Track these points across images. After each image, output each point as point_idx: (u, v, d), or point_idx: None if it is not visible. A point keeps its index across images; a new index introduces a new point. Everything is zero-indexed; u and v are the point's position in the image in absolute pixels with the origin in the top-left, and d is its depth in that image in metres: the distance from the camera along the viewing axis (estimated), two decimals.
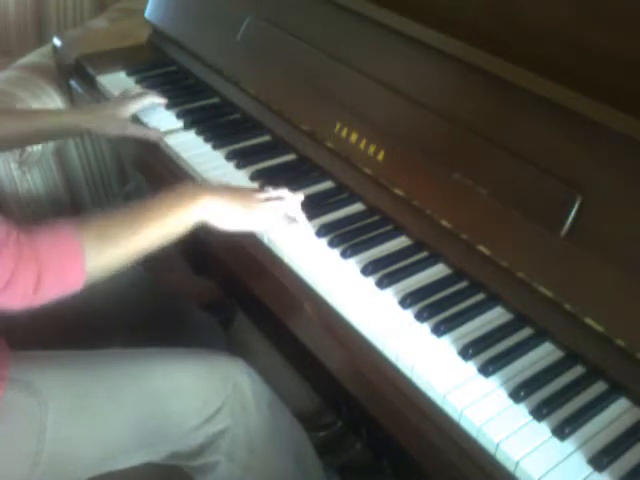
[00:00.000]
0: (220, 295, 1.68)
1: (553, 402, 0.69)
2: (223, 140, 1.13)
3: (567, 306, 0.74)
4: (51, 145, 1.51)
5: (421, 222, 0.89)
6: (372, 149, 0.95)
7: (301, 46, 1.09)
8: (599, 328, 0.72)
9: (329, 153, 1.03)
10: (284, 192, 0.92)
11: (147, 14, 1.43)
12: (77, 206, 1.69)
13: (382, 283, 0.83)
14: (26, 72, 1.51)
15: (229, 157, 1.09)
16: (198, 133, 1.15)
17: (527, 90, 0.79)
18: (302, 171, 1.07)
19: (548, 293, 0.76)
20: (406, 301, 0.81)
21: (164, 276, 1.42)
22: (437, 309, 0.80)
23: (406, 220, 0.92)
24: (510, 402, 0.70)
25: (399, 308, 0.81)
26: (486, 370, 0.72)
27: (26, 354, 0.85)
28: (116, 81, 1.32)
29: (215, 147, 1.12)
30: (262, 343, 1.57)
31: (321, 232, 0.92)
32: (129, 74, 1.35)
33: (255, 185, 1.02)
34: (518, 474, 0.64)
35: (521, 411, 0.69)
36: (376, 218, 0.96)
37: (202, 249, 1.67)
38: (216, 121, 1.20)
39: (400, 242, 0.92)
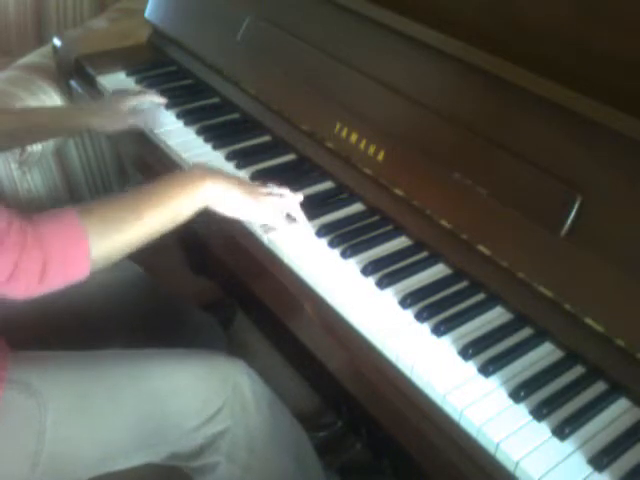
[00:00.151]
0: (220, 295, 1.69)
1: (553, 402, 0.69)
2: (223, 140, 1.13)
3: (567, 306, 0.74)
4: (51, 145, 1.51)
5: (421, 222, 0.89)
6: (372, 149, 0.95)
7: (301, 46, 1.09)
8: (599, 328, 0.72)
9: (329, 153, 1.03)
10: (285, 191, 0.92)
11: (147, 14, 1.43)
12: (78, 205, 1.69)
13: (382, 283, 0.83)
14: (26, 72, 1.51)
15: (229, 157, 1.09)
16: (198, 133, 1.15)
17: (527, 90, 0.79)
18: (302, 171, 1.07)
19: (548, 293, 0.76)
20: (406, 301, 0.81)
21: (164, 276, 1.42)
22: (437, 309, 0.80)
23: (406, 220, 0.92)
24: (510, 402, 0.70)
25: (399, 308, 0.80)
26: (486, 370, 0.72)
27: (26, 354, 0.85)
28: (116, 81, 1.32)
29: (215, 147, 1.12)
30: (262, 343, 1.57)
31: (321, 232, 0.92)
32: (129, 74, 1.35)
33: None
34: (518, 474, 0.64)
35: (521, 411, 0.69)
36: (376, 218, 0.96)
37: (202, 249, 1.67)
38: (216, 121, 1.20)
39: (400, 242, 0.92)
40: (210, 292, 1.70)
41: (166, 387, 0.88)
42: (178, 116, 1.20)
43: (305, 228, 0.92)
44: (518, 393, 0.70)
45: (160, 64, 1.39)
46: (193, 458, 0.91)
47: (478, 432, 0.67)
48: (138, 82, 1.32)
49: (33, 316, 0.93)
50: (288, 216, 0.92)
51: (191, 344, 1.03)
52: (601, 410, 0.70)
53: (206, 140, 1.13)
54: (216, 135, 1.14)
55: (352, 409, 1.30)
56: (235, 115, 1.22)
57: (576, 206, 0.74)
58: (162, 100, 1.22)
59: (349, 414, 1.32)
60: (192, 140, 1.14)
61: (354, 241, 0.90)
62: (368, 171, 0.97)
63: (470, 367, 0.73)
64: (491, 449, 0.66)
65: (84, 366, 0.87)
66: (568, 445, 0.66)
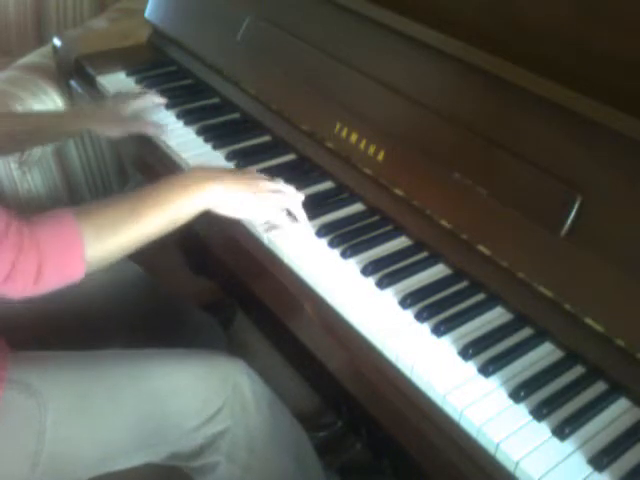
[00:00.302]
0: (220, 295, 1.69)
1: (553, 402, 0.69)
2: (223, 140, 1.13)
3: (567, 306, 0.74)
4: (51, 145, 1.51)
5: (421, 222, 0.89)
6: (372, 149, 0.95)
7: (301, 46, 1.09)
8: (599, 328, 0.72)
9: (329, 153, 1.03)
10: (289, 188, 0.92)
11: (147, 14, 1.43)
12: (77, 206, 1.69)
13: (382, 283, 0.83)
14: (26, 72, 1.51)
15: (229, 157, 1.09)
16: (198, 133, 1.15)
17: (527, 90, 0.79)
18: (302, 171, 1.06)
19: (548, 293, 0.76)
20: (406, 301, 0.81)
21: (164, 276, 1.42)
22: (437, 309, 0.80)
23: (406, 220, 0.92)
24: (510, 402, 0.70)
25: (399, 308, 0.80)
26: (486, 370, 0.72)
27: (26, 355, 0.85)
28: (116, 81, 1.32)
29: (215, 147, 1.12)
30: (262, 343, 1.57)
31: (321, 232, 0.92)
32: (129, 74, 1.35)
33: None
34: (518, 474, 0.64)
35: (521, 411, 0.69)
36: (376, 218, 0.96)
37: (202, 249, 1.67)
38: (216, 121, 1.20)
39: (400, 242, 0.92)
40: (210, 292, 1.70)
41: (166, 387, 0.88)
42: (178, 116, 1.20)
43: (305, 228, 0.92)
44: (518, 393, 0.70)
45: (160, 64, 1.39)
46: (193, 458, 0.91)
47: (478, 432, 0.67)
48: (138, 82, 1.32)
49: (33, 316, 0.93)
50: (289, 214, 0.92)
51: (191, 344, 1.03)
52: (601, 410, 0.70)
53: (206, 140, 1.13)
54: (216, 135, 1.14)
55: (352, 409, 1.30)
56: (235, 115, 1.22)
57: (576, 206, 0.74)
58: (162, 100, 1.22)
59: (349, 414, 1.32)
60: (192, 140, 1.14)
61: (354, 241, 0.90)
62: (368, 171, 0.97)
63: (470, 367, 0.73)
64: (491, 449, 0.66)
65: (84, 366, 0.87)
66: (568, 445, 0.66)
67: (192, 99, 1.26)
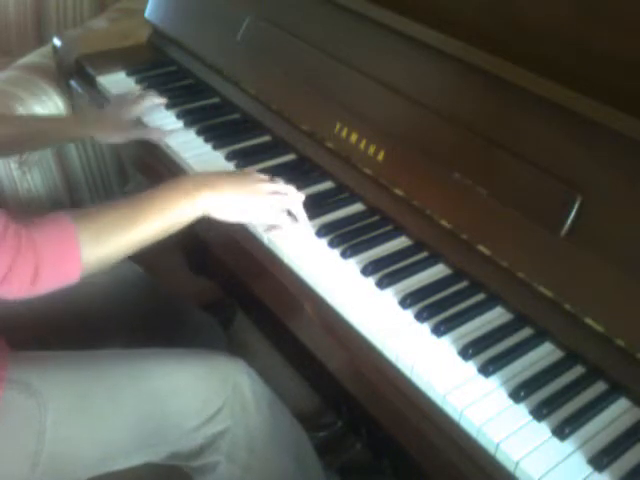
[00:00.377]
0: (220, 295, 1.69)
1: (553, 402, 0.69)
2: (223, 140, 1.13)
3: (567, 306, 0.74)
4: None
5: (421, 222, 0.89)
6: (372, 149, 0.95)
7: (301, 46, 1.09)
8: (599, 328, 0.72)
9: (329, 153, 1.03)
10: (290, 188, 0.92)
11: (147, 14, 1.43)
12: (77, 206, 1.69)
13: (382, 283, 0.83)
14: (26, 72, 1.51)
15: (229, 157, 1.09)
16: (198, 133, 1.15)
17: (527, 90, 0.79)
18: (302, 171, 1.06)
19: (548, 293, 0.76)
20: (406, 301, 0.81)
21: (164, 276, 1.43)
22: (437, 309, 0.80)
23: (406, 220, 0.92)
24: (510, 402, 0.70)
25: (399, 308, 0.80)
26: (486, 370, 0.72)
27: (26, 354, 0.85)
28: (116, 81, 1.32)
29: (215, 147, 1.12)
30: (262, 343, 1.57)
31: (321, 232, 0.92)
32: (129, 74, 1.35)
33: None
34: (518, 474, 0.64)
35: (521, 411, 0.69)
36: (376, 218, 0.96)
37: (202, 249, 1.67)
38: (216, 121, 1.20)
39: (400, 242, 0.92)
40: (210, 292, 1.70)
41: (166, 387, 0.88)
42: (178, 116, 1.20)
43: (305, 227, 0.92)
44: (518, 393, 0.70)
45: (160, 64, 1.39)
46: (193, 458, 0.91)
47: (478, 432, 0.67)
48: (138, 82, 1.32)
49: (33, 316, 0.93)
50: (289, 214, 0.92)
51: (191, 344, 1.03)
52: (601, 410, 0.70)
53: (206, 140, 1.13)
54: (216, 135, 1.14)
55: (352, 409, 1.30)
56: (235, 115, 1.22)
57: (576, 206, 0.74)
58: (162, 100, 1.22)
59: (349, 414, 1.32)
60: (192, 140, 1.14)
61: (354, 241, 0.90)
62: (368, 171, 0.97)
63: (470, 367, 0.73)
64: (491, 449, 0.66)
65: (84, 366, 0.87)
66: (568, 445, 0.66)
67: (192, 99, 1.26)
